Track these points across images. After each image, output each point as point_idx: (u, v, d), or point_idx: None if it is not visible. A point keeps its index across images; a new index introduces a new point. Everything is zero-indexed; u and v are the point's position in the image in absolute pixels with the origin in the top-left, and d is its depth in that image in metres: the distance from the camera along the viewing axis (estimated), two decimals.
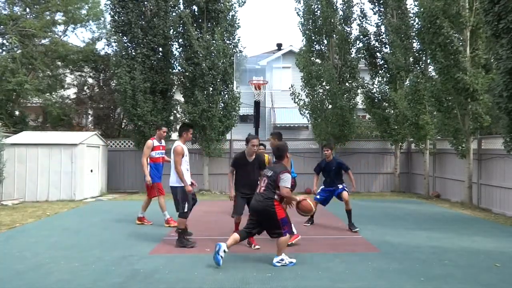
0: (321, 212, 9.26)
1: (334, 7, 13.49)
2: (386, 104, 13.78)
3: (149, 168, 7.76)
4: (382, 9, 13.95)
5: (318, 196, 7.47)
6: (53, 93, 15.71)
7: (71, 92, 17.33)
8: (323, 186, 7.61)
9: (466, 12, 9.65)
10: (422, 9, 10.13)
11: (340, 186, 7.33)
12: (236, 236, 5.02)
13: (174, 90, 14.46)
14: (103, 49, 16.56)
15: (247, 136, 6.14)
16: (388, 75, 13.54)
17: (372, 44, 14.15)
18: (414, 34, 12.73)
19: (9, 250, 5.72)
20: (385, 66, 13.80)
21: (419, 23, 10.98)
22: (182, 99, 14.28)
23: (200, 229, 7.22)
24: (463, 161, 10.42)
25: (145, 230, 7.09)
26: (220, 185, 13.75)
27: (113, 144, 14.27)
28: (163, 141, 8.09)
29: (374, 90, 14.09)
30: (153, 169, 7.80)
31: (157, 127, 8.24)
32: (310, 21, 13.59)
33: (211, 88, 13.08)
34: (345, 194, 7.17)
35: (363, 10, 14.17)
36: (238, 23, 13.64)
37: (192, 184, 6.31)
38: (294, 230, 5.55)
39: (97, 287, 4.17)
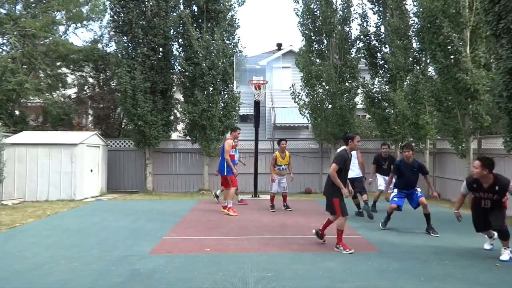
0: (321, 212, 9.28)
1: (334, 7, 13.48)
2: (386, 104, 13.77)
3: (225, 163, 8.89)
4: (382, 9, 13.94)
5: (396, 199, 7.11)
6: (54, 92, 15.73)
7: (71, 92, 17.35)
8: (396, 189, 7.25)
9: (466, 12, 9.64)
10: (421, 9, 10.12)
11: (419, 189, 7.13)
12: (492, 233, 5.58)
13: (174, 90, 14.47)
14: (104, 49, 16.53)
15: (346, 135, 6.07)
16: (388, 75, 13.54)
17: (372, 44, 14.15)
18: (413, 34, 12.72)
19: (9, 250, 5.73)
20: (385, 66, 13.79)
21: (419, 23, 10.97)
22: (182, 99, 14.29)
23: (200, 229, 7.23)
24: (463, 161, 10.42)
25: (145, 230, 7.09)
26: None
27: (113, 144, 14.27)
28: (236, 140, 9.51)
29: (374, 90, 14.09)
30: (229, 165, 8.86)
31: (233, 129, 9.64)
32: (310, 21, 13.57)
33: (211, 88, 13.09)
34: (423, 199, 7.01)
35: (365, 11, 14.17)
36: (238, 23, 13.64)
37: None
38: None
39: (98, 287, 4.18)
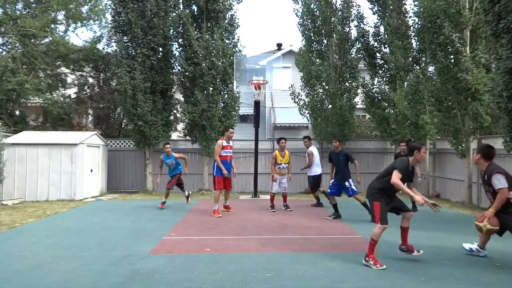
0: (320, 211, 9.28)
1: (334, 7, 13.47)
2: (386, 104, 13.78)
3: (215, 164, 8.69)
4: (381, 9, 13.92)
5: (328, 190, 8.50)
6: (54, 92, 15.72)
7: (71, 92, 17.35)
8: (333, 180, 8.50)
9: (466, 12, 9.64)
10: (422, 9, 10.12)
11: (352, 183, 8.30)
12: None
13: (174, 90, 14.47)
14: (104, 48, 16.55)
15: (412, 144, 5.18)
16: (388, 75, 13.53)
17: (371, 44, 14.14)
18: (413, 34, 12.71)
19: (9, 250, 5.72)
20: (385, 66, 13.79)
21: (419, 22, 10.98)
22: (182, 99, 14.29)
23: (200, 229, 7.23)
24: (463, 161, 10.42)
25: (145, 230, 7.09)
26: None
27: (113, 144, 14.27)
28: (231, 141, 8.87)
29: (374, 90, 14.09)
30: (218, 166, 8.60)
31: (225, 129, 9.33)
32: (310, 21, 13.57)
33: (211, 88, 13.09)
34: (356, 195, 8.31)
35: (360, 12, 14.15)
36: (238, 22, 13.65)
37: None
38: None
39: (98, 287, 4.18)
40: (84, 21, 16.49)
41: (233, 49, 13.38)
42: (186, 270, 4.70)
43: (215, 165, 8.61)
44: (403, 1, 13.48)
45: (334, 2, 13.55)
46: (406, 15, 13.36)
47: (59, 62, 16.15)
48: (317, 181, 9.72)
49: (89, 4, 16.34)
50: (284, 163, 9.36)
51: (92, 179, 12.27)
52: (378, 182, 5.10)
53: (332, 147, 8.76)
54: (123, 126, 17.18)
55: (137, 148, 13.62)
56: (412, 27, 12.91)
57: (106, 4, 16.02)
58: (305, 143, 9.90)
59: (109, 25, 14.62)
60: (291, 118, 19.40)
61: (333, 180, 8.47)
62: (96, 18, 16.67)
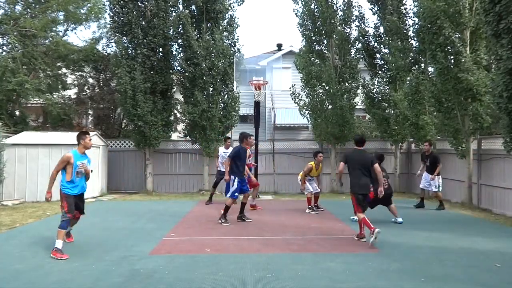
0: (321, 212, 9.28)
1: (334, 7, 13.47)
2: (386, 104, 13.77)
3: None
4: (381, 10, 13.91)
5: (236, 194, 7.82)
6: (54, 93, 15.73)
7: (71, 92, 17.35)
8: (237, 179, 7.80)
9: (466, 13, 9.64)
10: (422, 9, 10.13)
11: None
12: None
13: (174, 90, 14.46)
14: (103, 49, 16.55)
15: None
16: (388, 76, 13.53)
17: (371, 44, 14.14)
18: (413, 34, 12.71)
19: (9, 250, 5.73)
20: (385, 66, 13.79)
21: (419, 23, 10.98)
22: (182, 99, 14.29)
23: (200, 229, 7.23)
24: (463, 161, 10.42)
25: (145, 230, 7.09)
26: (220, 185, 13.73)
27: (113, 144, 14.27)
28: (251, 148, 8.87)
29: (374, 90, 14.08)
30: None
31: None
32: (310, 21, 13.57)
33: (211, 88, 13.09)
34: (246, 194, 8.10)
35: (362, 13, 14.14)
36: (237, 22, 13.65)
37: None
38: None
39: (98, 287, 4.18)
40: (84, 22, 16.49)
41: (233, 49, 13.38)
42: (186, 270, 4.71)
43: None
44: (403, 1, 13.48)
45: (335, 3, 13.54)
46: (406, 15, 13.36)
47: (59, 63, 16.15)
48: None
49: (88, 5, 16.33)
50: (314, 176, 9.23)
51: (92, 179, 12.25)
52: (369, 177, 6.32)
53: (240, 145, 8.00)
54: (123, 126, 17.18)
55: (137, 149, 13.61)
56: (412, 28, 12.91)
57: (104, 5, 16.02)
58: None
59: (108, 26, 14.62)
60: (291, 119, 19.41)
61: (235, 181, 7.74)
62: (95, 19, 16.67)
